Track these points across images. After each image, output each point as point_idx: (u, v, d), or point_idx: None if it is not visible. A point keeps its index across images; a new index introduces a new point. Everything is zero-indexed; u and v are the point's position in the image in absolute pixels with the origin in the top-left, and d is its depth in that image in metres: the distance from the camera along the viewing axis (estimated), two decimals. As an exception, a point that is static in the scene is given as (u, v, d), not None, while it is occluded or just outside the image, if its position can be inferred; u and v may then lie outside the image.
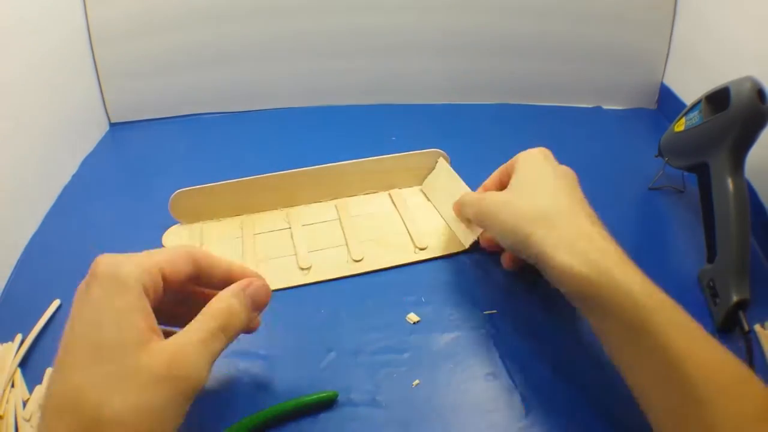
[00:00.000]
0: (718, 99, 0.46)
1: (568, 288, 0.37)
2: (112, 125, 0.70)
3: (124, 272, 0.30)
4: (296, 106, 0.73)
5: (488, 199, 0.44)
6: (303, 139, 0.67)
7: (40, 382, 0.39)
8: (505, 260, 0.47)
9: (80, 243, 0.52)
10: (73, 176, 0.61)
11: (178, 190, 0.51)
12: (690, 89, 0.64)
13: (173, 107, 0.71)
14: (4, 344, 0.42)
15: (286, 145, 0.65)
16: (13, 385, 0.39)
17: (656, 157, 0.56)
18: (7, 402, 0.38)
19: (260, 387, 0.39)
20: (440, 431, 0.37)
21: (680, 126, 0.51)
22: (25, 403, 0.38)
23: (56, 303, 0.45)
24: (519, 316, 0.45)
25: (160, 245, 0.51)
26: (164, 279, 0.32)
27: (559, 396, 0.39)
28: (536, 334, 0.43)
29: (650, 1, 0.67)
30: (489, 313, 0.45)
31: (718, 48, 0.59)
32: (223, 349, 0.32)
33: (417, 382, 0.40)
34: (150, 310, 0.31)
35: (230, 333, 0.32)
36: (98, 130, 0.68)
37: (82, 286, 0.31)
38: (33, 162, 0.55)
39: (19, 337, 0.42)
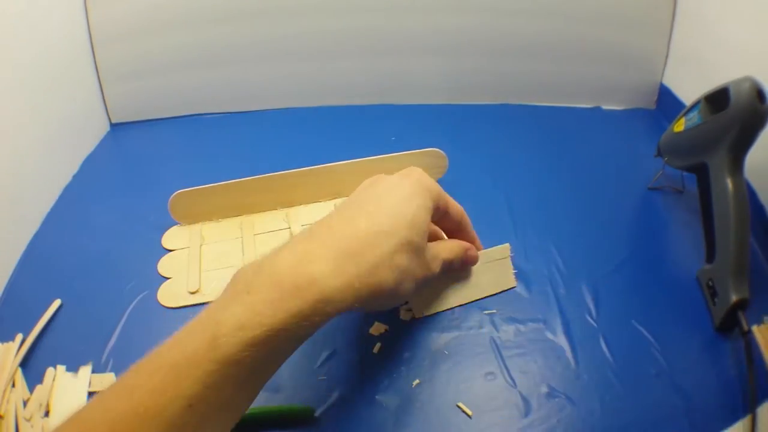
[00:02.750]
0: (718, 99, 0.46)
1: None
2: (113, 126, 0.70)
3: (434, 185, 0.39)
4: (296, 106, 0.73)
5: None
6: (303, 139, 0.67)
7: (40, 381, 0.40)
8: None
9: (80, 243, 0.52)
10: (74, 176, 0.61)
11: (178, 191, 0.51)
12: (689, 89, 0.64)
13: (174, 108, 0.71)
14: (5, 344, 0.42)
15: (286, 145, 0.65)
16: (13, 385, 0.39)
17: (655, 157, 0.56)
18: (8, 402, 0.38)
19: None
20: (440, 431, 0.37)
21: (680, 126, 0.51)
22: (25, 403, 0.38)
23: (57, 303, 0.45)
24: (519, 316, 0.45)
25: (160, 246, 0.51)
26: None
27: (559, 395, 0.39)
28: (536, 333, 0.43)
29: (650, 1, 0.67)
30: (489, 313, 0.45)
31: (718, 48, 0.59)
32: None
33: (417, 382, 0.40)
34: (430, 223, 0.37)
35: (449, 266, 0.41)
36: (99, 130, 0.68)
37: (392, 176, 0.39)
38: (33, 162, 0.55)
39: (19, 336, 0.42)
